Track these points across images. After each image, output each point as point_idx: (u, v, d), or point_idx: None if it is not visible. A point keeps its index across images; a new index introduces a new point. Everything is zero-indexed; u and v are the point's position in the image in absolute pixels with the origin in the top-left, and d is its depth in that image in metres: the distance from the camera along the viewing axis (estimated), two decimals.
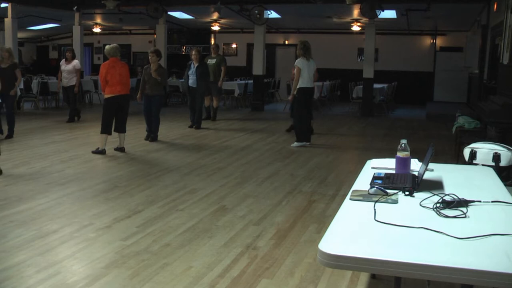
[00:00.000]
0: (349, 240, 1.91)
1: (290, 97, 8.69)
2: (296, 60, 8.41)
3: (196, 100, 10.40)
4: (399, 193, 2.48)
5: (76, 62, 10.95)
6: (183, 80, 13.64)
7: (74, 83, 10.83)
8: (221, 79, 11.70)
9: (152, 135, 8.86)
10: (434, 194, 2.41)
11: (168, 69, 14.80)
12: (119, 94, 7.52)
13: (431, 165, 3.01)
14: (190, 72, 10.41)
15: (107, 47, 7.68)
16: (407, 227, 1.99)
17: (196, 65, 10.29)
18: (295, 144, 8.52)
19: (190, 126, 10.52)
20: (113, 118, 7.62)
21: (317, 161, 7.38)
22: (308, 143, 8.62)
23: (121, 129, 7.72)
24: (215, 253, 3.75)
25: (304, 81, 8.36)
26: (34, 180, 5.92)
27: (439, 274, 1.66)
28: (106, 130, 7.54)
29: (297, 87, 8.36)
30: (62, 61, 11.04)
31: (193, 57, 10.34)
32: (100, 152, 7.51)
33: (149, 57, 8.72)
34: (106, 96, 7.54)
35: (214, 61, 11.66)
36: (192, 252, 3.76)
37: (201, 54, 10.41)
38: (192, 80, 10.35)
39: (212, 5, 13.18)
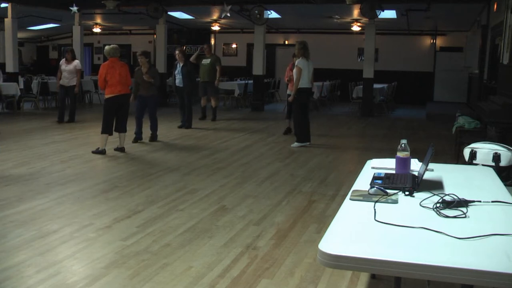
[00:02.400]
0: (349, 240, 1.91)
1: (290, 98, 8.61)
2: (297, 61, 8.35)
3: (184, 99, 10.43)
4: (399, 193, 2.48)
5: (77, 62, 10.95)
6: (169, 79, 13.65)
7: (75, 83, 10.83)
8: (217, 78, 11.65)
9: (151, 134, 8.86)
10: (434, 194, 2.41)
11: (168, 69, 14.80)
12: (119, 94, 7.54)
13: (431, 165, 3.01)
14: (176, 72, 10.43)
15: (106, 47, 7.69)
16: (407, 227, 1.99)
17: (181, 64, 10.30)
18: (296, 144, 8.50)
19: (180, 127, 10.49)
20: (114, 118, 7.63)
21: (317, 161, 7.38)
22: (308, 143, 8.61)
23: (121, 129, 7.72)
24: (215, 253, 3.75)
25: (303, 82, 8.34)
26: (34, 180, 5.92)
27: (439, 274, 1.66)
28: (107, 130, 7.54)
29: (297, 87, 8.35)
30: (62, 61, 10.96)
31: (177, 57, 10.32)
32: (100, 152, 7.52)
33: (138, 60, 8.66)
34: (107, 96, 7.56)
35: (208, 61, 11.61)
36: (192, 252, 3.76)
37: (185, 54, 10.39)
38: (178, 80, 10.38)
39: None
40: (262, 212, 4.79)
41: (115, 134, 7.70)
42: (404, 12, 13.55)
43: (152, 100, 8.71)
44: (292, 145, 8.50)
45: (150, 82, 8.54)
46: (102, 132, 7.57)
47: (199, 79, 12.06)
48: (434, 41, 17.74)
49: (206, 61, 11.63)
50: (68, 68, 10.80)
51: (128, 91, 7.81)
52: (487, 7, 11.60)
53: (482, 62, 11.98)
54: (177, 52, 10.33)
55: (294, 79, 8.35)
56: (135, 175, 6.29)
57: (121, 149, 7.75)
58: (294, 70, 8.37)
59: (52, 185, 5.71)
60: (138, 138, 8.71)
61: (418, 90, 17.56)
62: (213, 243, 3.95)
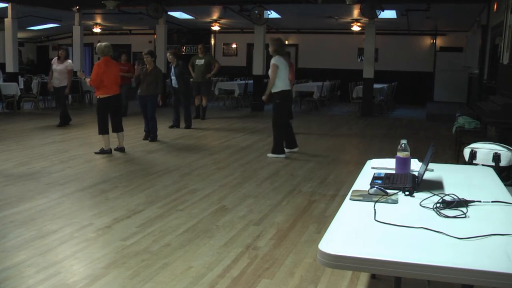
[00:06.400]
0: (349, 240, 1.91)
1: (264, 98, 7.61)
2: (272, 58, 7.56)
3: (179, 100, 10.47)
4: (399, 193, 2.48)
5: (69, 62, 10.35)
6: (168, 80, 13.76)
7: (65, 84, 10.29)
8: (212, 72, 11.75)
9: (151, 135, 8.89)
10: (434, 194, 2.41)
11: (167, 69, 14.81)
12: (114, 94, 7.55)
13: (431, 165, 3.01)
14: (171, 74, 10.45)
15: (101, 45, 7.53)
16: (407, 227, 1.99)
17: (174, 66, 10.30)
18: (271, 155, 7.56)
19: (171, 126, 10.48)
20: (108, 117, 7.62)
21: (317, 161, 7.38)
22: (283, 155, 7.53)
23: (118, 128, 7.71)
24: (215, 253, 3.75)
25: (282, 83, 7.46)
26: (34, 180, 5.92)
27: (439, 274, 1.66)
28: (104, 131, 7.53)
29: (276, 90, 7.42)
30: (54, 60, 10.40)
31: (169, 59, 10.31)
32: (106, 152, 7.52)
33: (144, 59, 8.85)
34: (102, 96, 7.46)
35: (202, 61, 11.66)
36: (192, 252, 3.76)
37: (177, 55, 10.37)
38: (174, 81, 10.42)
39: (217, 7, 13.24)
40: (262, 212, 4.79)
41: (113, 134, 7.69)
42: (404, 12, 13.55)
43: (151, 100, 8.80)
44: (268, 155, 7.60)
45: (152, 81, 8.75)
46: (101, 133, 7.55)
47: (192, 78, 12.10)
48: (434, 41, 17.74)
49: (200, 61, 11.67)
50: (59, 68, 10.22)
51: (119, 91, 7.83)
52: (487, 7, 11.59)
53: (482, 62, 11.98)
54: (168, 54, 10.36)
55: (270, 80, 7.49)
56: (135, 175, 6.29)
57: (121, 149, 7.75)
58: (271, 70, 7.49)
59: (52, 185, 5.71)
60: (148, 136, 8.93)
61: (418, 90, 17.55)
62: (213, 243, 3.95)
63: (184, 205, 5.00)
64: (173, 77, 10.39)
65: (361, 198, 2.41)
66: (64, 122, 10.54)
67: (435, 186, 2.62)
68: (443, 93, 17.43)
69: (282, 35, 19.04)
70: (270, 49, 7.78)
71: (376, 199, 2.37)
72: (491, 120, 6.08)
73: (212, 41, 19.92)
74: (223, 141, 9.11)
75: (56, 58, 10.46)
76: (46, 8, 14.65)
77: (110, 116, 7.61)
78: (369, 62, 13.56)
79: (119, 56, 12.73)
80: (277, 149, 7.58)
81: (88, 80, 7.53)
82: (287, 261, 3.62)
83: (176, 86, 10.40)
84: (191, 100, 10.85)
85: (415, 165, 3.01)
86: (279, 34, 18.81)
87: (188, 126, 10.47)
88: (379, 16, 12.52)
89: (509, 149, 3.92)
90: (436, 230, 1.94)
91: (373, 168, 3.09)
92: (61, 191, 5.46)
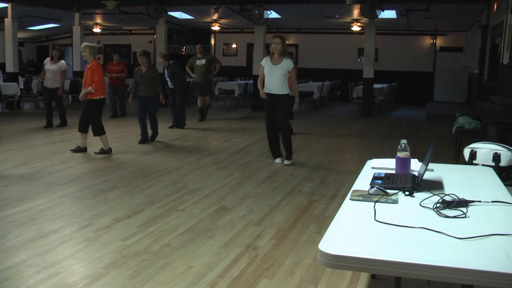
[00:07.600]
0: (349, 240, 1.91)
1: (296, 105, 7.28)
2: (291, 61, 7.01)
3: (176, 100, 10.48)
4: (399, 193, 2.48)
5: (62, 63, 10.08)
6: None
7: (59, 85, 10.05)
8: (214, 72, 11.84)
9: (152, 134, 8.86)
10: (434, 194, 2.41)
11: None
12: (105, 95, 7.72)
13: (431, 165, 3.01)
14: (166, 75, 10.46)
15: (94, 46, 7.55)
16: (407, 227, 1.99)
17: (166, 67, 10.29)
18: (288, 162, 7.11)
19: (171, 127, 10.47)
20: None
21: (317, 161, 7.38)
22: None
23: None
24: (215, 253, 3.75)
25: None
26: (34, 180, 5.92)
27: (439, 274, 1.66)
28: (103, 131, 7.58)
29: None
30: (47, 60, 10.10)
31: (160, 61, 10.31)
32: (106, 152, 7.54)
33: (139, 60, 8.65)
34: (101, 97, 7.53)
35: (203, 61, 11.47)
36: (192, 252, 3.76)
37: (166, 56, 10.36)
38: (169, 82, 10.43)
39: (212, 6, 13.25)
40: (262, 212, 4.79)
41: (107, 135, 7.74)
42: (404, 12, 13.55)
43: (151, 100, 8.73)
44: (285, 163, 7.12)
45: (151, 82, 8.63)
46: (98, 134, 7.58)
47: (192, 79, 12.09)
48: (434, 41, 17.74)
49: (200, 61, 11.51)
50: (52, 68, 9.94)
51: None
52: (487, 7, 11.59)
53: (482, 62, 11.98)
54: (158, 58, 10.38)
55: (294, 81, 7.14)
56: (135, 175, 6.29)
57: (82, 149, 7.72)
58: (294, 71, 6.99)
59: (52, 185, 5.71)
60: (144, 140, 8.70)
61: (418, 90, 17.55)
62: (213, 243, 3.95)
63: (184, 205, 5.01)
64: (167, 79, 10.39)
65: (361, 198, 2.41)
66: (64, 123, 10.49)
67: (435, 186, 2.62)
68: (443, 93, 17.43)
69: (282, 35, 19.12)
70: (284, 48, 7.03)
71: (376, 199, 2.37)
72: (491, 120, 6.08)
73: (212, 41, 19.92)
74: (223, 141, 9.11)
75: (49, 58, 10.19)
76: (46, 8, 14.64)
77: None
78: (369, 62, 13.56)
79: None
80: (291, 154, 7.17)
81: (91, 88, 7.40)
82: (287, 261, 3.62)
83: (172, 87, 10.41)
84: (186, 100, 10.85)
85: (415, 165, 3.01)
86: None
87: (181, 126, 10.44)
88: (379, 16, 12.52)
89: (509, 149, 3.92)
90: (436, 230, 1.94)
91: (373, 168, 3.09)
92: (61, 191, 5.46)
